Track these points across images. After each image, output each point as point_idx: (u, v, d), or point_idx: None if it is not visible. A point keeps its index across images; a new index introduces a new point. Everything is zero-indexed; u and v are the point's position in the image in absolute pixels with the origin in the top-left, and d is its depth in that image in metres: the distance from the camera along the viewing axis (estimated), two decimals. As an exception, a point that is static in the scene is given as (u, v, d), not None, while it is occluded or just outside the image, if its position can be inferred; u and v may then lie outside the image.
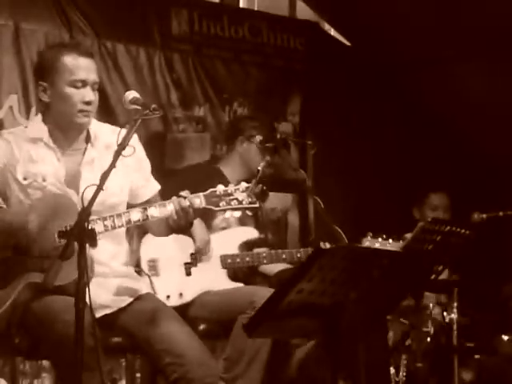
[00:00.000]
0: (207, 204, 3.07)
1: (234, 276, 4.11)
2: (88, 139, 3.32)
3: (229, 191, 3.07)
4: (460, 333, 4.53)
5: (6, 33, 4.66)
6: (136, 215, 3.09)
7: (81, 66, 3.25)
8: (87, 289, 2.66)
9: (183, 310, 3.80)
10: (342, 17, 5.64)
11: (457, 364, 4.52)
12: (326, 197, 4.24)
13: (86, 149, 3.30)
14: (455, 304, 4.54)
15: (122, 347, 3.29)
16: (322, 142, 4.79)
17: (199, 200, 3.07)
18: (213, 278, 4.03)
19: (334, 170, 5.27)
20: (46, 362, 4.20)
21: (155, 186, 3.44)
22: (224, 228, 4.19)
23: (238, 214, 3.30)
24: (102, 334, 3.03)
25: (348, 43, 5.78)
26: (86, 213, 2.74)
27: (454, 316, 4.54)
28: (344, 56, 5.71)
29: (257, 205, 3.14)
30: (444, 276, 4.50)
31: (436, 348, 4.64)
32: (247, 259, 4.11)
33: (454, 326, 4.52)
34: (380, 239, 3.89)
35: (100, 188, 2.77)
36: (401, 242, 3.90)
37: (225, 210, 3.20)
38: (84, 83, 3.24)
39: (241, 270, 4.16)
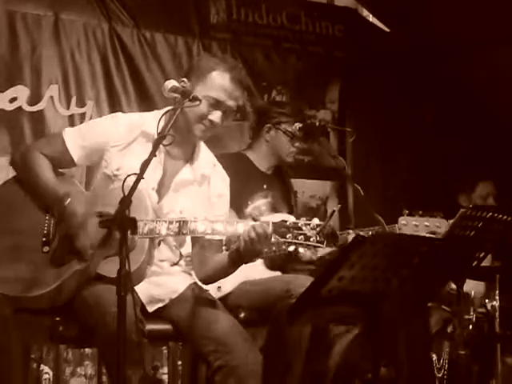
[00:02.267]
0: (275, 233, 2.98)
1: (270, 265, 4.11)
2: (192, 158, 3.37)
3: (299, 225, 2.99)
4: (502, 320, 4.54)
5: (45, 24, 4.70)
6: (201, 227, 3.07)
7: (226, 88, 3.24)
8: (138, 282, 2.69)
9: (224, 300, 3.82)
10: (380, 2, 5.61)
11: (499, 351, 4.53)
12: (367, 184, 4.24)
13: (186, 164, 3.36)
14: (497, 291, 4.54)
15: (165, 336, 3.30)
16: (361, 129, 4.79)
17: (268, 229, 3.01)
18: (250, 268, 4.02)
19: (374, 158, 5.26)
20: (88, 350, 4.26)
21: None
22: (256, 216, 4.18)
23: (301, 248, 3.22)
24: (149, 324, 3.08)
25: (387, 29, 5.75)
26: (126, 201, 2.73)
27: (496, 303, 4.54)
28: (383, 42, 5.68)
29: (323, 246, 3.07)
30: (486, 263, 4.49)
31: (478, 335, 4.64)
32: (283, 247, 4.11)
33: (497, 314, 4.52)
34: (417, 216, 3.87)
35: (140, 177, 2.77)
36: (438, 217, 3.86)
37: (290, 243, 3.08)
38: (219, 104, 3.22)
39: (278, 257, 4.16)
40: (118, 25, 4.91)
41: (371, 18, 5.80)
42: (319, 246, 3.02)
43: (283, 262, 4.14)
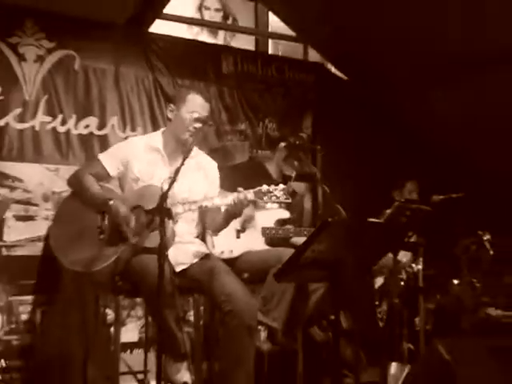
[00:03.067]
0: (255, 198, 3.09)
1: (269, 242, 4.11)
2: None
3: (270, 189, 3.06)
4: (424, 278, 4.54)
5: (109, 74, 4.71)
6: (204, 203, 3.11)
7: (204, 107, 3.36)
8: (167, 251, 2.72)
9: (232, 263, 3.80)
10: (340, 59, 5.61)
11: (422, 300, 4.53)
12: (331, 186, 4.24)
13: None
14: (421, 259, 4.54)
15: (190, 289, 3.33)
16: (327, 147, 4.77)
17: (250, 195, 3.07)
18: (254, 242, 4.02)
19: (336, 167, 5.24)
20: (138, 299, 4.25)
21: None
22: (266, 209, 4.18)
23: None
24: (179, 281, 3.10)
25: (345, 77, 5.75)
26: (164, 197, 2.75)
27: (420, 267, 4.55)
28: (342, 86, 5.69)
29: (289, 201, 3.15)
30: (413, 239, 4.50)
31: (408, 289, 4.65)
32: (280, 232, 4.11)
33: (420, 274, 4.53)
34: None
35: (174, 180, 2.80)
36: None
37: (266, 203, 3.18)
38: (198, 117, 3.34)
39: (274, 239, 4.15)
40: (159, 75, 4.89)
41: (333, 70, 5.78)
42: (286, 202, 3.14)
43: (277, 242, 4.14)
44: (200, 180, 3.37)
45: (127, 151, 3.37)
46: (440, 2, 4.16)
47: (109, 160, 3.35)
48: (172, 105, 3.39)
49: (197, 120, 3.30)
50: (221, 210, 3.29)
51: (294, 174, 3.51)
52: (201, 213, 3.41)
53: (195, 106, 3.31)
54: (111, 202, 3.17)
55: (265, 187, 3.08)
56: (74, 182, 3.36)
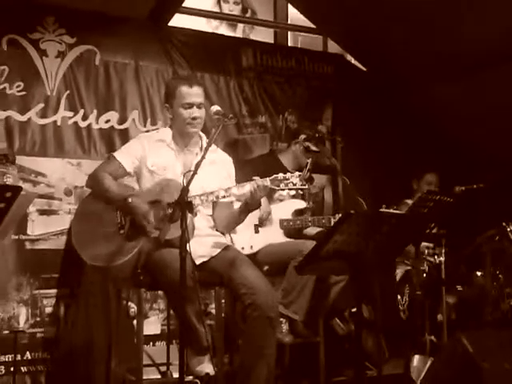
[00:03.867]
0: (272, 185, 3.06)
1: (287, 234, 4.11)
2: (201, 148, 3.38)
3: (287, 177, 3.04)
4: (446, 270, 4.50)
5: (129, 69, 4.72)
6: (222, 193, 3.11)
7: (190, 93, 3.30)
8: (188, 243, 2.71)
9: (253, 257, 3.81)
10: (359, 50, 5.57)
11: (444, 292, 4.49)
12: (351, 177, 4.22)
13: (196, 153, 3.36)
14: (443, 250, 4.50)
15: (212, 283, 3.33)
16: (347, 139, 4.76)
17: (267, 182, 3.06)
18: (273, 235, 4.02)
19: (356, 158, 5.22)
20: (160, 292, 4.26)
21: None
22: (281, 200, 4.18)
23: (292, 192, 3.25)
24: (199, 274, 3.09)
25: (364, 68, 5.70)
26: (185, 190, 2.76)
27: (442, 258, 4.51)
28: (361, 77, 5.64)
29: (306, 187, 3.11)
30: (435, 231, 4.45)
31: (429, 281, 4.61)
32: (298, 222, 4.10)
33: (442, 266, 4.49)
34: (391, 210, 3.86)
35: (194, 173, 2.80)
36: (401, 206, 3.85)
37: (283, 190, 3.12)
38: (191, 105, 3.29)
39: (293, 230, 4.15)
40: (179, 68, 4.88)
41: (353, 61, 5.74)
42: (303, 188, 3.06)
43: (296, 233, 4.14)
44: (213, 174, 3.35)
45: (140, 147, 3.40)
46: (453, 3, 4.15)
47: (124, 157, 3.38)
48: (166, 104, 3.41)
49: (190, 108, 3.31)
50: (233, 205, 3.28)
51: (309, 161, 3.45)
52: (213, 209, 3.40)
53: (184, 96, 3.31)
54: (130, 200, 3.18)
55: (281, 175, 3.06)
56: (92, 183, 3.38)
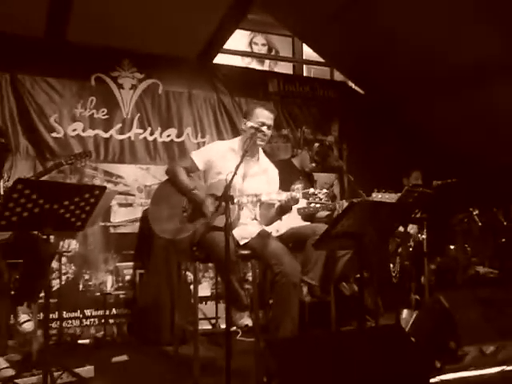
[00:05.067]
0: (303, 197, 2.97)
1: (304, 218, 4.09)
2: (258, 159, 3.35)
3: (315, 192, 2.94)
4: (428, 245, 4.48)
5: (184, 96, 4.74)
6: (264, 197, 3.07)
7: (264, 116, 3.26)
8: (232, 230, 2.68)
9: (280, 238, 3.79)
10: (358, 78, 5.53)
11: (426, 261, 4.47)
12: (354, 175, 4.20)
13: (253, 163, 3.34)
14: (425, 230, 4.48)
15: (249, 256, 3.31)
16: (351, 146, 4.74)
17: (299, 194, 2.98)
18: (294, 221, 3.99)
19: (358, 161, 5.19)
20: (210, 264, 4.27)
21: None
22: (294, 190, 4.13)
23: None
24: (241, 251, 3.12)
25: (362, 92, 5.67)
26: (228, 187, 2.72)
27: (424, 236, 4.48)
28: (360, 99, 5.60)
29: (330, 203, 3.04)
30: (419, 215, 4.43)
31: (415, 253, 4.59)
32: (311, 208, 4.07)
33: (424, 242, 4.46)
34: (380, 193, 3.81)
35: (234, 173, 2.75)
36: (393, 194, 3.78)
37: (311, 203, 3.02)
38: (263, 124, 3.25)
39: (308, 215, 4.12)
40: (221, 95, 4.90)
41: (353, 86, 5.70)
42: (327, 204, 3.01)
43: (310, 216, 4.12)
44: (263, 182, 3.31)
45: (213, 151, 3.34)
46: (444, 25, 4.05)
47: (199, 157, 3.32)
48: (244, 119, 3.37)
49: (262, 126, 3.23)
50: (274, 205, 3.23)
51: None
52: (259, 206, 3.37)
53: (260, 116, 3.29)
54: (195, 191, 3.21)
55: (311, 190, 2.95)
56: (170, 171, 3.36)
